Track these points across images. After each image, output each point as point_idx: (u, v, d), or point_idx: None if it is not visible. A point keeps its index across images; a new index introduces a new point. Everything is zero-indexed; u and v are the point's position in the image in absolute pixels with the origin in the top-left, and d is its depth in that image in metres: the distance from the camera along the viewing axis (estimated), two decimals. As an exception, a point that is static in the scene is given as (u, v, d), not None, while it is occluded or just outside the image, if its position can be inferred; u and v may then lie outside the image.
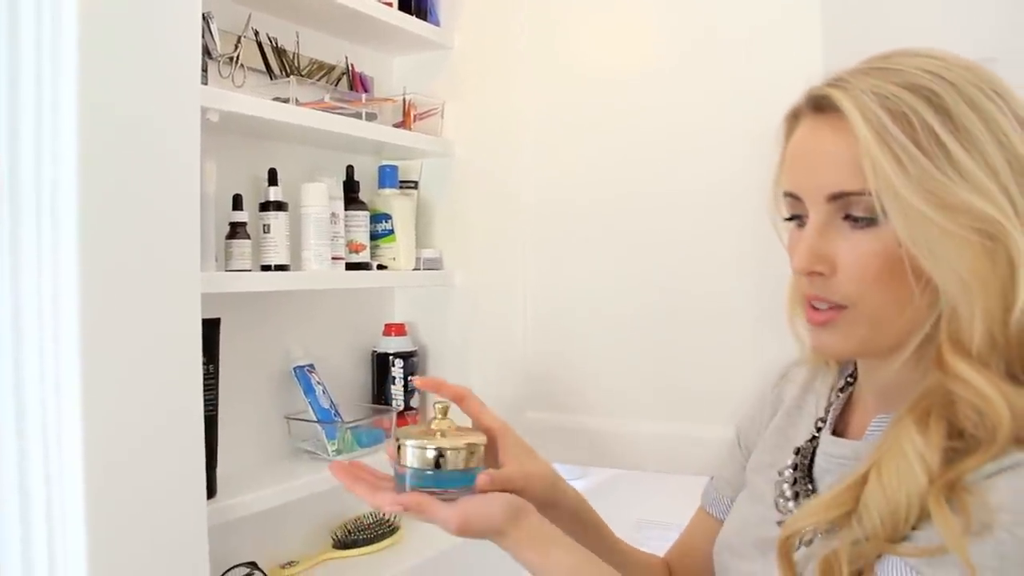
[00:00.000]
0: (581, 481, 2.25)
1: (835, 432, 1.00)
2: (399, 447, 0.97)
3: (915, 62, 0.84)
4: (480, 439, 0.99)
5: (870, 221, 0.83)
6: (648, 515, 1.23)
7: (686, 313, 1.50)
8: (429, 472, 0.93)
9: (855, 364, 1.04)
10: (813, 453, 1.00)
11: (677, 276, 1.50)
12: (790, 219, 0.92)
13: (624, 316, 1.56)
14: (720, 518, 1.15)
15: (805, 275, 0.88)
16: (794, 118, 0.93)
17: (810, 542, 0.89)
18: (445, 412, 1.01)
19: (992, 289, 0.80)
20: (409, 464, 0.95)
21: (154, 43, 1.08)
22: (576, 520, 1.12)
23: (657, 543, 1.29)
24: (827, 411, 1.04)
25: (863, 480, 0.83)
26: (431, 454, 0.94)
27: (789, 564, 0.87)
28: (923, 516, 0.78)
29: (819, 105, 0.87)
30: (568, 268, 1.61)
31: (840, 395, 1.04)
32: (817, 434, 1.02)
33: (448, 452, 0.95)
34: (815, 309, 0.89)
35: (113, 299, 1.04)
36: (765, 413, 1.15)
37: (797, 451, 1.02)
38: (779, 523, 0.97)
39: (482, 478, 0.96)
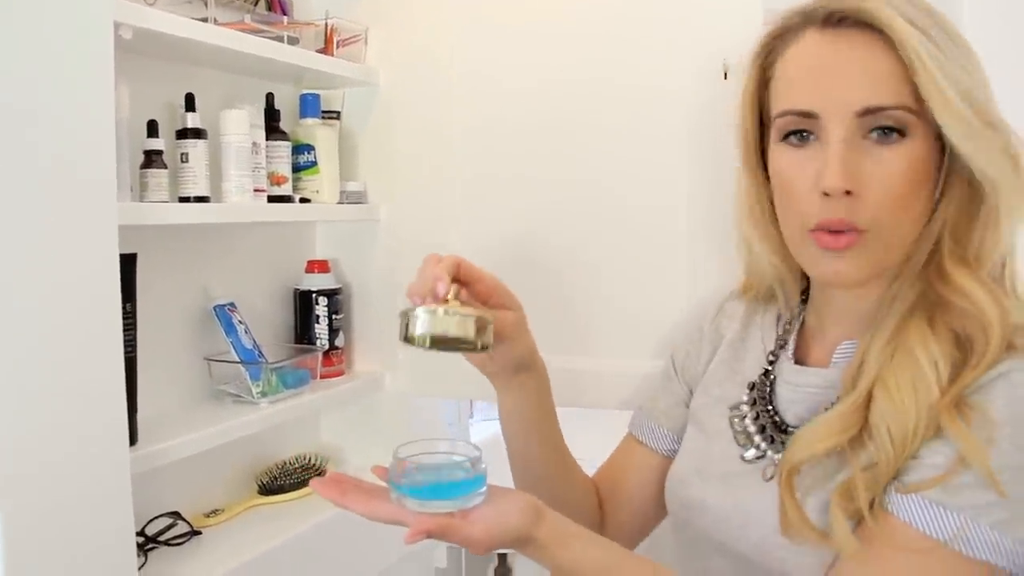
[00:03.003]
0: (505, 420, 2.24)
1: (798, 362, 0.99)
2: (405, 315, 0.94)
3: None
4: (490, 315, 0.96)
5: (901, 133, 0.83)
6: (577, 452, 1.25)
7: (620, 246, 1.47)
8: (428, 485, 0.84)
9: (802, 294, 1.04)
10: (772, 386, 0.99)
11: (611, 209, 1.47)
12: (785, 138, 0.89)
13: (557, 250, 1.52)
14: (652, 447, 1.15)
15: (836, 196, 0.84)
16: (788, 33, 0.90)
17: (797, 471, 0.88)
18: (457, 295, 0.96)
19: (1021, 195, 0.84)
20: (419, 333, 0.92)
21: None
22: (545, 390, 1.11)
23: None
24: (778, 343, 1.03)
25: (867, 400, 0.84)
26: (442, 320, 0.92)
27: (792, 495, 0.86)
28: (927, 435, 0.79)
29: (839, 18, 0.85)
30: (499, 201, 1.56)
31: (790, 327, 1.03)
32: (770, 367, 1.01)
33: (458, 318, 0.92)
34: (832, 233, 0.86)
35: (23, 234, 0.96)
36: (704, 348, 1.14)
37: (752, 386, 1.01)
38: (744, 457, 0.97)
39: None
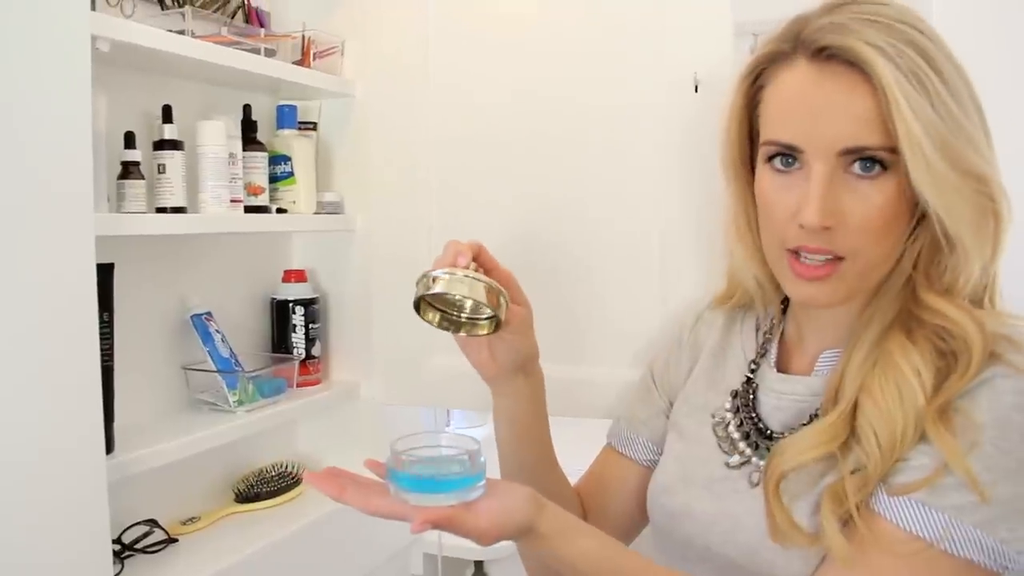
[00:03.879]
0: (482, 428, 2.25)
1: (780, 371, 1.01)
2: (425, 277, 0.98)
3: (889, 12, 0.85)
4: (505, 292, 0.99)
5: (883, 166, 0.84)
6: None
7: (593, 255, 1.49)
8: (427, 479, 0.84)
9: (781, 304, 1.05)
10: (754, 393, 1.01)
11: (584, 219, 1.49)
12: (770, 160, 0.91)
13: (531, 259, 1.53)
14: (632, 457, 1.16)
15: (813, 230, 0.86)
16: (780, 58, 0.90)
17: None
18: (476, 270, 0.99)
19: (987, 243, 0.86)
20: (435, 291, 0.96)
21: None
22: (540, 398, 1.14)
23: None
24: (758, 352, 1.05)
25: (853, 408, 0.86)
26: (460, 281, 0.95)
27: (780, 501, 0.88)
28: (915, 439, 0.82)
29: (829, 54, 0.85)
30: (473, 211, 1.57)
31: (770, 336, 1.05)
32: (751, 375, 1.03)
33: (482, 286, 0.96)
34: (804, 264, 0.88)
35: (1, 246, 0.97)
36: (684, 358, 1.15)
37: (735, 394, 1.03)
38: (728, 463, 0.98)
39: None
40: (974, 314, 0.84)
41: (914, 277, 0.89)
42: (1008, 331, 0.84)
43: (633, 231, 1.45)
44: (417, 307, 1.02)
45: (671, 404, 1.14)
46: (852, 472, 0.84)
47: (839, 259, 0.87)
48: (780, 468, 0.89)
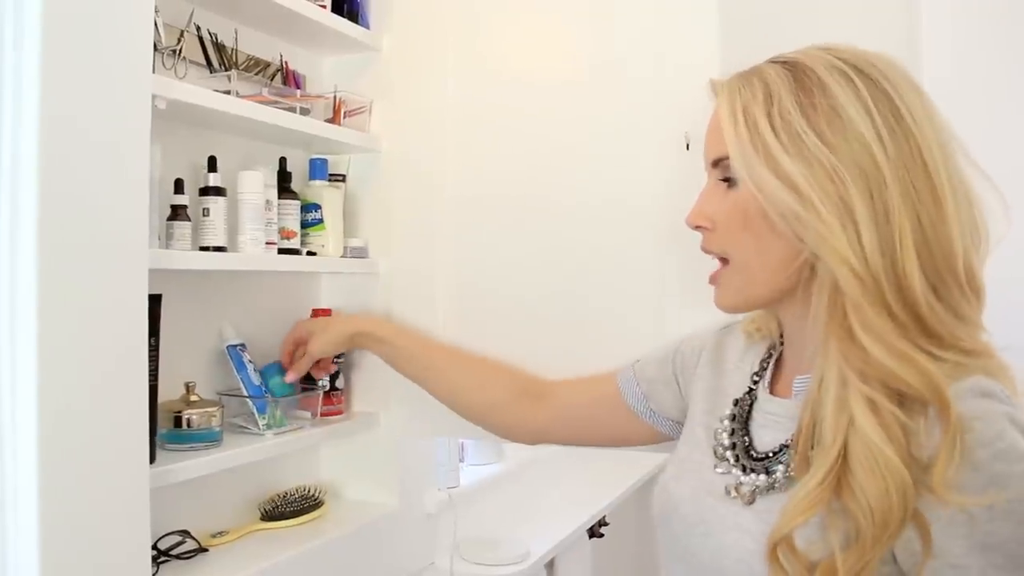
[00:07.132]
0: (496, 465, 2.36)
1: (770, 391, 1.08)
2: None
3: (809, 51, 0.97)
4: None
5: (733, 182, 0.98)
6: (565, 496, 1.34)
7: (597, 298, 1.63)
8: None
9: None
10: (751, 406, 1.08)
11: (589, 265, 1.64)
12: None
13: (538, 302, 1.68)
14: (624, 398, 1.29)
15: (693, 230, 1.03)
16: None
17: None
18: None
19: (842, 242, 0.87)
20: None
21: (111, 32, 1.15)
22: (401, 354, 1.57)
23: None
24: (761, 365, 1.12)
25: (835, 463, 0.86)
26: None
27: (782, 568, 0.88)
28: (908, 511, 0.81)
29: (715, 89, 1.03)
30: (485, 257, 1.74)
31: (772, 354, 1.12)
32: (754, 387, 1.10)
33: None
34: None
35: (68, 274, 1.10)
36: (703, 360, 1.21)
37: (736, 402, 1.10)
38: (716, 469, 1.05)
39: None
40: (921, 366, 0.84)
41: (843, 301, 0.88)
42: (974, 379, 0.85)
43: (634, 269, 1.61)
44: None
45: (678, 384, 1.23)
46: (843, 549, 0.83)
47: (725, 261, 1.02)
48: (774, 537, 0.89)
